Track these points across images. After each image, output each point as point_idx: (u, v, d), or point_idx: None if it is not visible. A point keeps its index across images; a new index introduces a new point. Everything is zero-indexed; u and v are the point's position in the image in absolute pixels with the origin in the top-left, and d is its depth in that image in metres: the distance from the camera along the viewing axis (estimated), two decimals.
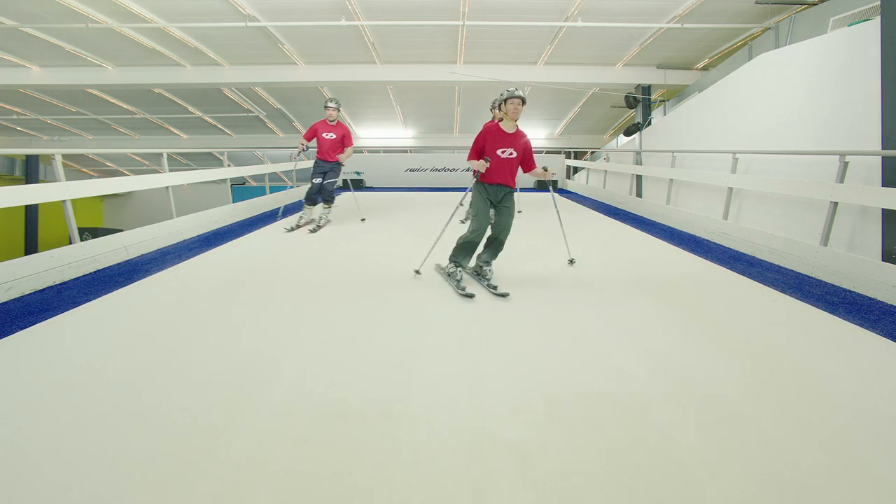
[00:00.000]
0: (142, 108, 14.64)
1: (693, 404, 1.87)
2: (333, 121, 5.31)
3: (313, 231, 5.33)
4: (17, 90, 12.25)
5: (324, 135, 5.31)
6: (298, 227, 5.50)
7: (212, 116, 15.50)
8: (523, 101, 3.28)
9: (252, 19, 8.83)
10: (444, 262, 3.65)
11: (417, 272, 3.65)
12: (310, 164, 7.10)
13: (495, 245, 3.49)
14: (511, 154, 3.37)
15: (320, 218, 5.67)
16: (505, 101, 3.29)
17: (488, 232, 3.47)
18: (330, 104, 5.24)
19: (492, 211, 3.45)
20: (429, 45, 10.42)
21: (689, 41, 9.91)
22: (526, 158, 3.45)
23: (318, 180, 5.47)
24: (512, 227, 3.49)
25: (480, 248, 3.53)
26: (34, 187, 3.85)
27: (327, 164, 5.43)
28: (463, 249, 3.42)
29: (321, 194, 5.56)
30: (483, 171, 3.36)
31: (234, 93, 13.53)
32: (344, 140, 5.37)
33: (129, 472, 1.46)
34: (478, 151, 3.40)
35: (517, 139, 3.37)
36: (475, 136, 3.43)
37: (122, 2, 8.21)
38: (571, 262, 4.11)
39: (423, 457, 1.54)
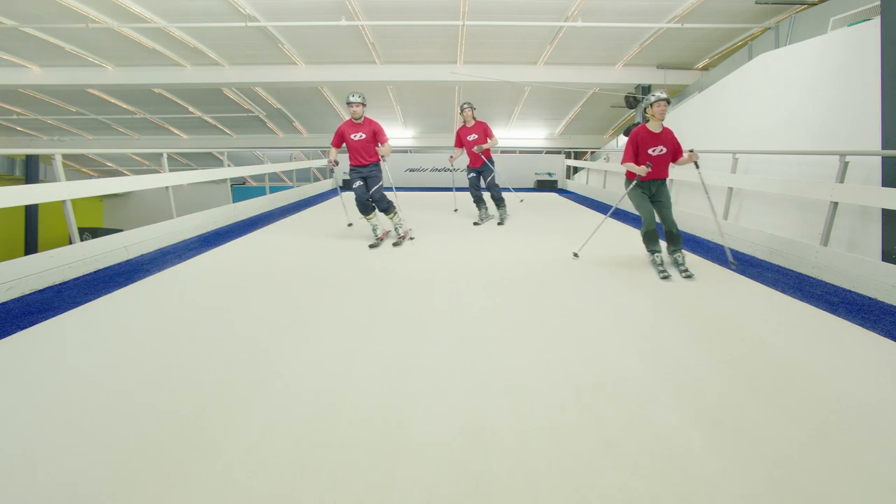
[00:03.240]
0: (142, 108, 14.65)
1: (692, 404, 1.87)
2: (360, 118, 4.53)
3: (397, 244, 4.74)
4: (17, 90, 12.26)
5: (352, 136, 4.57)
6: (380, 239, 4.81)
7: (212, 116, 15.51)
8: (668, 102, 3.74)
9: (252, 19, 8.83)
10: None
11: (576, 255, 4.28)
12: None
13: (674, 237, 3.86)
14: (662, 151, 3.81)
15: (396, 228, 4.97)
16: (651, 104, 3.73)
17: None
18: (353, 98, 4.46)
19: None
20: (429, 45, 10.43)
21: (689, 41, 9.92)
22: (675, 151, 3.87)
23: (359, 184, 4.70)
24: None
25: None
26: (34, 187, 3.85)
27: (364, 169, 4.68)
28: (648, 239, 3.86)
29: (376, 204, 4.80)
30: (644, 174, 3.77)
31: (234, 93, 13.54)
32: (377, 136, 4.59)
33: (127, 472, 1.46)
34: (632, 153, 3.82)
35: (664, 137, 3.81)
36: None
37: (122, 2, 8.22)
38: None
39: (420, 454, 1.55)
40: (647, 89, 11.55)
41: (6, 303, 2.98)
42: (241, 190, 15.50)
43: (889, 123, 4.06)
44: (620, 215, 7.17)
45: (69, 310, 2.88)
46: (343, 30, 9.32)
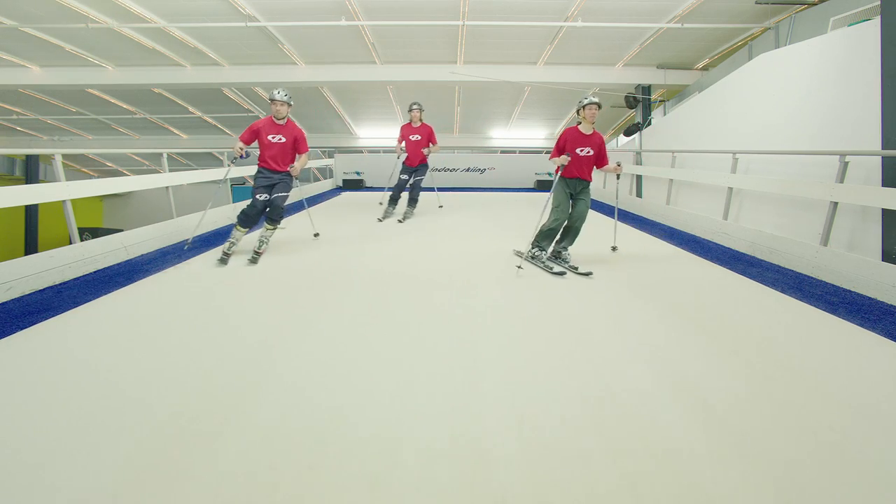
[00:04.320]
0: (142, 108, 14.64)
1: (692, 404, 1.87)
2: (283, 119, 4.27)
3: (253, 260, 4.07)
4: (17, 90, 12.25)
5: (269, 137, 4.22)
6: (227, 256, 4.11)
7: (212, 116, 15.49)
8: (598, 106, 3.94)
9: (252, 19, 8.83)
10: (521, 248, 4.26)
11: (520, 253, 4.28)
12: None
13: (572, 232, 4.06)
14: (588, 152, 3.95)
15: (262, 241, 4.30)
16: (584, 107, 3.89)
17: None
18: (278, 94, 4.21)
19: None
20: (429, 45, 10.42)
21: (689, 41, 9.91)
22: (600, 156, 4.02)
23: (263, 195, 4.28)
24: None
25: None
26: (34, 187, 3.85)
27: (275, 175, 4.27)
28: (545, 236, 4.01)
29: (272, 213, 4.30)
30: (565, 163, 3.90)
31: (234, 93, 13.53)
32: (297, 144, 4.31)
33: (127, 472, 1.46)
34: (559, 149, 4.00)
35: (593, 140, 3.96)
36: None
37: (122, 2, 8.21)
38: (614, 249, 4.56)
39: (419, 459, 1.54)
40: (647, 89, 11.55)
41: (6, 303, 2.98)
42: (241, 190, 15.47)
43: (889, 123, 4.06)
44: (620, 215, 7.16)
45: (69, 310, 2.88)
46: (343, 30, 9.31)
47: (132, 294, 3.24)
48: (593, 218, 5.11)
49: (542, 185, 11.97)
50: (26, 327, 2.60)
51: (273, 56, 10.89)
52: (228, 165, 4.72)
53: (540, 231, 4.04)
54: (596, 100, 3.90)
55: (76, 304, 2.99)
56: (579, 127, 3.98)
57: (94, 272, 3.74)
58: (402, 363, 2.20)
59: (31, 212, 13.55)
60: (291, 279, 3.62)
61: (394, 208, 6.48)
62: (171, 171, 5.42)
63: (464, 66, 11.20)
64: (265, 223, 4.32)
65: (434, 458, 1.54)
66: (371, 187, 11.51)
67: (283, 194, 4.26)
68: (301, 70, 11.53)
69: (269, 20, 9.04)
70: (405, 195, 6.46)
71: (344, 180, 11.23)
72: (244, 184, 17.92)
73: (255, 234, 4.36)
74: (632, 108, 11.89)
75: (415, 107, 6.20)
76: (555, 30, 9.40)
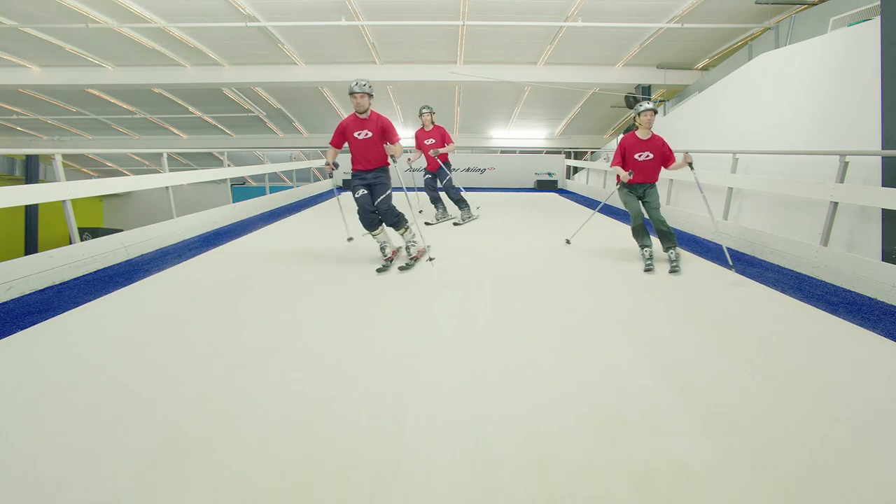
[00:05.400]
0: (142, 108, 14.66)
1: (693, 404, 1.87)
2: (365, 112, 3.84)
3: (405, 268, 3.88)
4: (17, 90, 12.26)
5: (355, 134, 3.88)
6: (389, 260, 3.99)
7: (212, 116, 15.51)
8: (655, 112, 4.05)
9: (252, 19, 8.83)
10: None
11: (568, 241, 4.82)
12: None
13: (665, 234, 4.06)
14: (648, 156, 4.05)
15: (408, 247, 4.13)
16: (640, 113, 4.00)
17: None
18: (357, 87, 3.77)
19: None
20: (429, 45, 10.43)
21: (689, 41, 9.92)
22: (665, 157, 4.09)
23: (361, 192, 3.97)
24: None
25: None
26: (34, 187, 3.85)
27: (369, 175, 3.96)
28: (638, 235, 4.11)
29: (384, 217, 4.01)
30: (627, 179, 4.03)
31: (234, 93, 13.54)
32: (386, 135, 3.89)
33: (128, 472, 1.46)
34: (620, 157, 4.12)
35: (652, 143, 4.06)
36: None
37: (122, 2, 8.22)
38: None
39: (422, 465, 1.55)
40: (647, 89, 11.56)
41: (6, 303, 2.98)
42: (241, 190, 15.48)
43: (889, 123, 4.06)
44: (612, 212, 7.16)
45: (69, 310, 2.88)
46: (343, 30, 9.32)
47: (132, 294, 3.24)
48: (593, 217, 5.12)
49: (542, 186, 11.99)
50: (26, 327, 2.60)
51: (273, 56, 10.90)
52: (330, 177, 4.39)
53: (633, 234, 4.16)
54: (652, 105, 4.02)
55: (76, 304, 2.99)
56: (637, 133, 4.09)
57: (94, 272, 3.74)
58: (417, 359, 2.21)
59: (31, 212, 13.57)
60: (292, 280, 3.61)
61: (443, 209, 6.31)
62: (171, 171, 5.42)
63: (464, 66, 11.21)
64: (396, 231, 4.04)
65: (436, 469, 1.54)
66: None
67: (384, 196, 3.90)
68: (301, 70, 11.54)
69: (269, 20, 9.05)
70: (444, 195, 6.28)
71: (344, 180, 11.23)
72: (244, 183, 17.96)
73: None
74: (632, 107, 11.88)
75: (425, 111, 6.01)
76: (555, 30, 9.41)
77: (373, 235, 4.02)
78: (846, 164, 3.90)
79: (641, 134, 4.05)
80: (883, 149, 4.10)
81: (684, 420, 1.76)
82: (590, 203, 8.81)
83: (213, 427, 1.69)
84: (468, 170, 11.76)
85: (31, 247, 13.38)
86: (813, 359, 2.31)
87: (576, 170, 12.36)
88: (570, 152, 12.85)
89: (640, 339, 2.52)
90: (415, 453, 1.56)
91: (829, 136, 5.18)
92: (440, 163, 6.03)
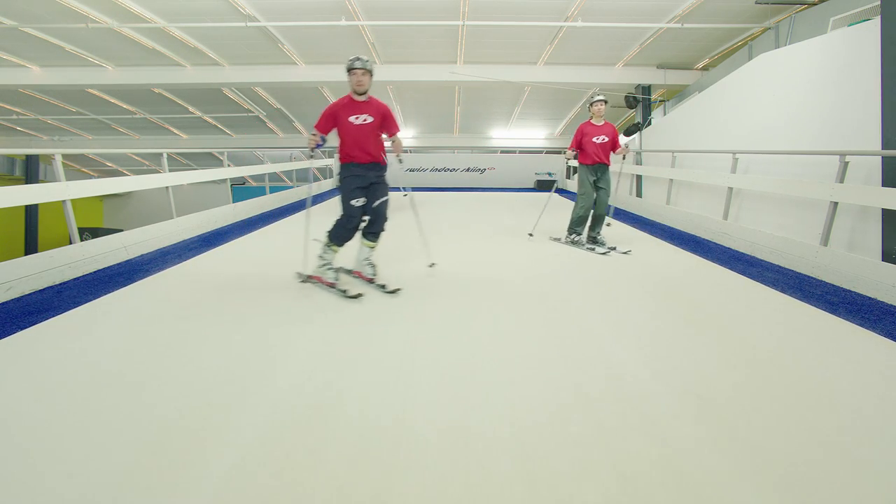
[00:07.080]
0: (142, 108, 14.64)
1: (693, 404, 1.87)
2: (364, 93, 3.23)
3: (393, 291, 3.27)
4: (17, 90, 12.25)
5: (351, 118, 3.23)
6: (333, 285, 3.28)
7: (212, 116, 15.50)
8: (605, 102, 4.71)
9: (252, 19, 8.83)
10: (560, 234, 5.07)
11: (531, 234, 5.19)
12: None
13: (598, 219, 4.72)
14: (603, 139, 4.64)
15: (371, 263, 3.55)
16: (592, 104, 4.70)
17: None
18: (357, 63, 3.14)
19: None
20: (429, 45, 10.42)
21: (689, 41, 9.91)
22: (614, 142, 4.68)
23: (360, 198, 3.35)
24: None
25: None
26: (34, 187, 3.85)
27: (371, 172, 3.33)
28: (577, 223, 4.76)
29: (375, 225, 3.45)
30: (572, 157, 4.78)
31: (234, 93, 13.53)
32: (386, 123, 3.35)
33: (128, 472, 1.46)
34: (577, 141, 4.74)
35: (605, 129, 4.67)
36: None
37: (122, 2, 8.21)
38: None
39: (417, 459, 1.54)
40: (647, 89, 11.55)
41: (6, 303, 2.98)
42: (241, 190, 15.49)
43: (889, 123, 4.06)
44: (620, 215, 7.16)
45: (69, 310, 2.88)
46: (343, 30, 9.31)
47: (132, 294, 3.24)
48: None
49: (542, 186, 11.99)
50: (26, 327, 2.60)
51: (273, 56, 10.89)
52: (311, 156, 3.68)
53: (571, 220, 4.77)
54: (602, 97, 4.70)
55: (76, 304, 2.99)
56: (591, 120, 4.75)
57: (94, 272, 3.74)
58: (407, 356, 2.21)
59: (31, 212, 13.55)
60: (292, 280, 3.61)
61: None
62: (171, 171, 5.42)
63: (464, 66, 11.20)
64: (364, 240, 3.40)
65: (428, 463, 1.54)
66: None
67: (384, 199, 3.33)
68: (301, 70, 11.53)
69: (269, 20, 9.04)
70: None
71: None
72: (244, 183, 17.96)
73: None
74: (632, 108, 11.89)
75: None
76: (555, 30, 9.40)
77: (333, 251, 3.35)
78: (846, 164, 3.90)
79: (596, 121, 4.73)
80: (883, 149, 4.09)
81: (685, 420, 1.76)
82: None
83: (214, 427, 1.69)
84: (468, 170, 11.76)
85: (31, 247, 13.36)
86: (812, 358, 2.31)
87: (576, 170, 12.35)
88: None
89: (636, 336, 2.52)
90: (415, 453, 1.56)
91: (829, 136, 5.18)
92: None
